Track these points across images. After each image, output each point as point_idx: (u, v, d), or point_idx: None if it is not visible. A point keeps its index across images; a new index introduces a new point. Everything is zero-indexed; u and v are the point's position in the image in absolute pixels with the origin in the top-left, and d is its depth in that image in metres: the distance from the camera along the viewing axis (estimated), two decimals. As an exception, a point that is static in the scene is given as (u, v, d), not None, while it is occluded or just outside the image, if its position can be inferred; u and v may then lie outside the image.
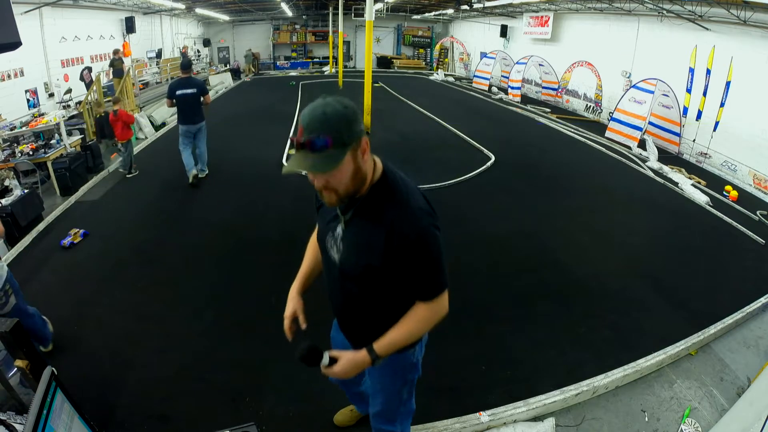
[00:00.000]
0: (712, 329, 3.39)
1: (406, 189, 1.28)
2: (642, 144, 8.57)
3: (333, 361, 1.31)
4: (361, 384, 2.02)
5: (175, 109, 6.21)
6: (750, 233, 5.25)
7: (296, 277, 1.59)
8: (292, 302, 1.52)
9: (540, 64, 13.56)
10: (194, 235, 4.77)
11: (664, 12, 8.72)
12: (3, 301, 2.56)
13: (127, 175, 6.59)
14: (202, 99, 5.97)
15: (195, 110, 5.96)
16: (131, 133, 6.55)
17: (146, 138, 9.00)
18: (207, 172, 6.57)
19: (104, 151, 7.16)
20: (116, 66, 10.31)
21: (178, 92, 5.74)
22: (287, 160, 7.14)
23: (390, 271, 1.25)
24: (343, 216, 1.31)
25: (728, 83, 7.28)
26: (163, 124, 10.34)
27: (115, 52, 10.71)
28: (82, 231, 4.66)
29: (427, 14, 21.60)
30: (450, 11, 19.01)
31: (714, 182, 7.12)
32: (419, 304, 1.31)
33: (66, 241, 4.46)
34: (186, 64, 6.04)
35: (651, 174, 7.27)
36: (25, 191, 5.22)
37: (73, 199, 5.78)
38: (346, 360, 1.32)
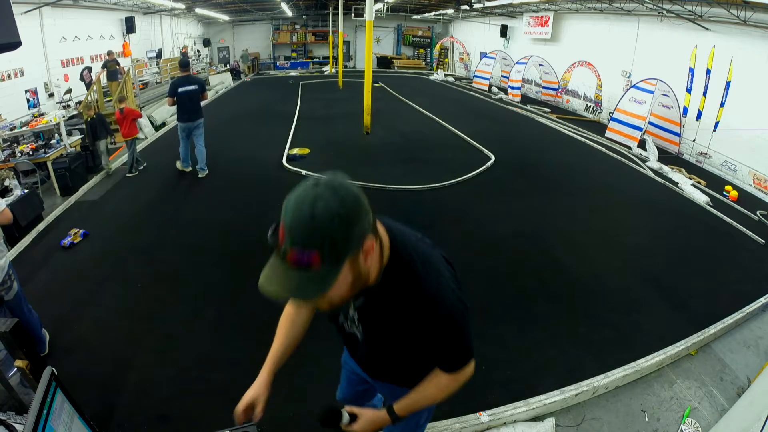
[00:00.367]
0: (712, 329, 3.39)
1: (422, 264, 1.08)
2: (642, 144, 8.57)
3: (353, 417, 1.31)
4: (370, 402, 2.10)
5: (174, 109, 6.37)
6: (750, 233, 5.25)
7: (267, 359, 1.38)
8: (257, 388, 1.33)
9: (540, 64, 13.56)
10: (194, 235, 4.77)
11: (664, 12, 8.72)
12: (8, 285, 2.71)
13: (128, 174, 6.61)
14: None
15: (196, 107, 6.21)
16: (137, 131, 6.70)
17: (146, 138, 9.00)
18: (207, 171, 6.59)
19: (103, 149, 6.82)
20: (110, 68, 10.12)
21: (180, 89, 5.95)
22: (286, 160, 7.16)
23: (418, 346, 1.18)
24: (353, 301, 1.16)
25: (728, 83, 7.28)
26: (163, 124, 10.35)
27: (109, 53, 10.43)
28: (82, 231, 4.66)
29: (427, 14, 21.61)
30: (450, 11, 19.01)
31: (714, 182, 7.13)
32: (442, 373, 1.21)
33: (66, 241, 4.47)
34: (184, 63, 6.30)
35: (651, 174, 7.27)
36: (25, 191, 5.22)
37: (73, 199, 5.78)
38: (366, 420, 1.30)
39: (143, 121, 9.45)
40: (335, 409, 1.29)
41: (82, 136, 7.66)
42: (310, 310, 1.39)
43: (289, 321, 1.39)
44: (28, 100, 8.44)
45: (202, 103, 6.37)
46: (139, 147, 7.37)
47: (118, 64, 10.07)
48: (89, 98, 8.62)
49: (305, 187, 0.86)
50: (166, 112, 10.76)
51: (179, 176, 6.58)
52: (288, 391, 2.63)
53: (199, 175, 6.48)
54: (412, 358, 1.25)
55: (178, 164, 6.69)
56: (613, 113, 9.47)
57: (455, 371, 1.19)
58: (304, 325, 1.40)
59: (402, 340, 1.16)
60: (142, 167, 6.84)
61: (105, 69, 10.26)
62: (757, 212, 5.90)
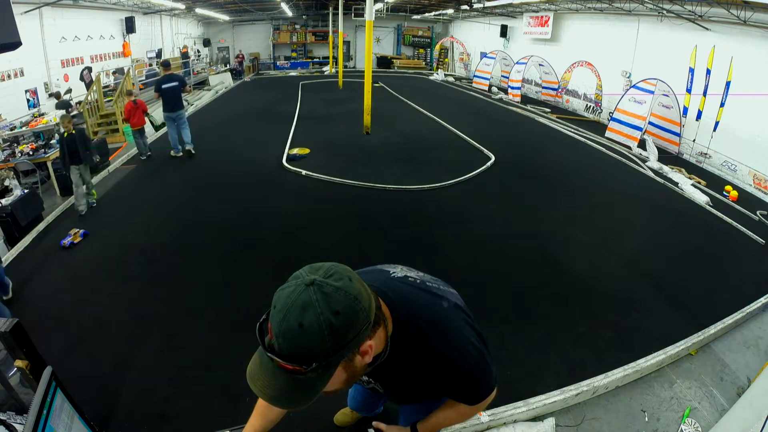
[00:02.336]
0: (712, 329, 3.39)
1: (431, 328, 1.02)
2: (642, 144, 8.57)
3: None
4: (375, 410, 2.15)
5: None
6: (750, 233, 5.25)
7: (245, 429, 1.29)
8: None
9: (540, 64, 13.56)
10: (194, 235, 4.76)
11: (664, 12, 8.72)
12: None
13: (143, 157, 7.37)
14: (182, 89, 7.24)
15: (178, 100, 7.19)
16: (144, 120, 7.28)
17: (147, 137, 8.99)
18: (193, 145, 7.46)
19: (88, 179, 5.30)
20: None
21: (164, 86, 6.95)
22: (286, 160, 7.15)
23: (441, 392, 1.18)
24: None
25: (728, 83, 7.28)
26: (163, 125, 10.29)
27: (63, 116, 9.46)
28: (82, 231, 4.66)
29: (427, 14, 21.60)
30: (450, 11, 19.01)
31: (714, 182, 7.12)
32: (464, 404, 1.19)
33: (66, 241, 4.46)
34: (167, 63, 7.52)
35: (651, 174, 7.27)
36: (25, 191, 5.22)
37: (73, 199, 5.77)
38: None
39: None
40: (356, 426, 1.33)
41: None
42: None
43: (267, 404, 1.29)
44: (28, 100, 8.44)
45: (187, 96, 6.76)
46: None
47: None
48: (90, 98, 8.62)
49: (297, 286, 0.78)
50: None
51: (179, 176, 6.59)
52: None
53: (191, 150, 7.34)
54: (436, 395, 1.25)
55: (171, 152, 7.42)
56: (613, 113, 9.47)
57: (476, 404, 1.19)
58: (280, 410, 1.32)
59: (424, 389, 1.14)
60: (147, 156, 7.48)
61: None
62: (757, 212, 5.90)
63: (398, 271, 1.15)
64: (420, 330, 1.01)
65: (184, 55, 16.78)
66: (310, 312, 0.75)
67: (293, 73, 21.35)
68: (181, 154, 7.40)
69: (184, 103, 7.37)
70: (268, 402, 0.84)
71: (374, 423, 1.33)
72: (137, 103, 6.98)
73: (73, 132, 5.08)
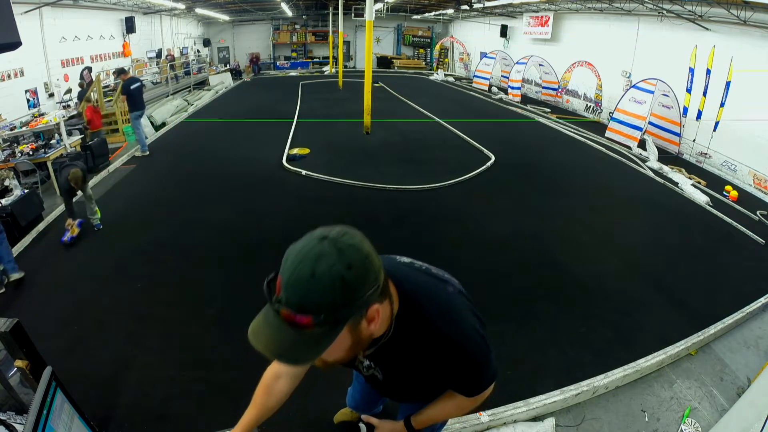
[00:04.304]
0: (712, 329, 3.39)
1: (437, 309, 1.02)
2: (642, 144, 8.57)
3: (370, 429, 1.33)
4: (375, 409, 2.14)
5: (175, 108, 6.94)
6: (750, 233, 5.25)
7: (238, 424, 1.26)
8: None
9: (540, 64, 13.56)
10: (194, 235, 4.76)
11: (664, 12, 8.72)
12: None
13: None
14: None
15: (142, 99, 7.76)
16: (102, 124, 8.17)
17: (146, 138, 8.99)
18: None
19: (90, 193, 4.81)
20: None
21: (132, 87, 7.39)
22: (286, 160, 7.15)
23: (442, 381, 1.17)
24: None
25: (728, 83, 7.28)
26: (164, 124, 10.33)
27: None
28: (78, 221, 4.62)
29: (427, 14, 21.61)
30: (450, 11, 19.01)
31: (714, 182, 7.13)
32: (462, 396, 1.19)
33: (66, 237, 4.45)
34: (123, 70, 8.03)
35: (651, 174, 7.27)
36: (25, 191, 5.22)
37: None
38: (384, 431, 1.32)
39: (143, 121, 9.47)
40: (353, 424, 1.30)
41: (82, 136, 7.66)
42: (290, 380, 1.29)
43: (265, 392, 1.29)
44: (28, 100, 8.43)
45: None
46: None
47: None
48: (92, 96, 8.61)
49: (310, 240, 0.79)
50: (166, 111, 10.76)
51: (179, 176, 6.58)
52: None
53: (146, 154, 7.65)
54: (436, 387, 1.25)
55: (139, 153, 7.62)
56: (613, 113, 9.47)
57: (474, 396, 1.19)
58: (280, 397, 1.30)
59: (425, 378, 1.14)
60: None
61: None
62: (757, 212, 5.90)
63: (404, 258, 1.17)
64: (425, 311, 1.00)
65: (170, 58, 15.63)
66: (323, 262, 0.75)
67: (293, 73, 21.36)
68: (148, 153, 7.63)
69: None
70: (270, 357, 0.82)
71: (363, 417, 1.31)
72: (96, 108, 7.98)
73: (80, 183, 4.50)
